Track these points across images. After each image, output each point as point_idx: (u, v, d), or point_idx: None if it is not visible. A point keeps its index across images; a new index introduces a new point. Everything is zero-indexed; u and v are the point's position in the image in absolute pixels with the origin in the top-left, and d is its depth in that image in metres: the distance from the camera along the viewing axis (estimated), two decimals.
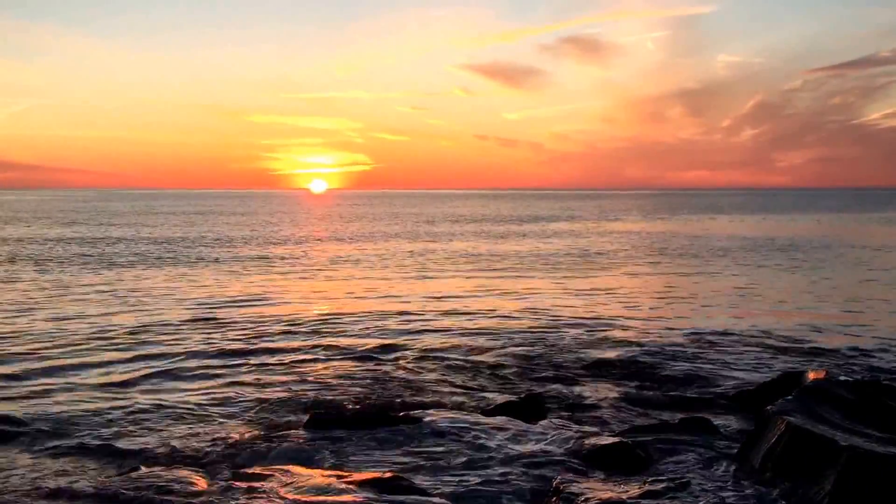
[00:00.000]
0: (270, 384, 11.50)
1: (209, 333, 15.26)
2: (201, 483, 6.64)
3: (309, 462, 7.80)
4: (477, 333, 15.49)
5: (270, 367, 12.63)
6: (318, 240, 43.62)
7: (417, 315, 17.64)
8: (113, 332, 15.21)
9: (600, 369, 12.45)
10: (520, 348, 14.07)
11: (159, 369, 12.36)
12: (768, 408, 8.10)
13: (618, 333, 15.63)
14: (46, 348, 13.72)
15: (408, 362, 12.95)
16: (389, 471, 7.12)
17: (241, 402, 10.57)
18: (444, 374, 12.16)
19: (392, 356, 13.42)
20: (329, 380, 11.77)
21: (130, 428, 9.41)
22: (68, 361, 12.74)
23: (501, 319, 17.22)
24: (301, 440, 8.60)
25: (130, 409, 10.20)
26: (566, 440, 8.43)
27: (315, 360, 13.07)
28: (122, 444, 8.75)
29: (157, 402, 10.54)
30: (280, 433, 8.95)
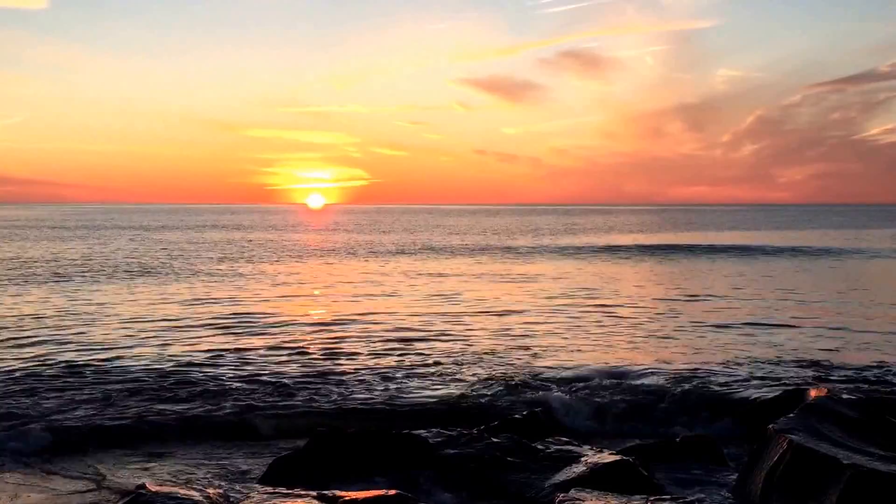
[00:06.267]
0: (283, 397, 11.52)
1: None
2: None
3: (309, 481, 7.79)
4: (472, 343, 15.52)
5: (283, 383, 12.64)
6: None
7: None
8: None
9: (601, 386, 12.45)
10: (516, 363, 14.10)
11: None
12: (770, 426, 8.10)
13: (619, 349, 15.65)
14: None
15: (406, 375, 12.98)
16: (393, 488, 7.11)
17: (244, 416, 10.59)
18: (442, 386, 12.19)
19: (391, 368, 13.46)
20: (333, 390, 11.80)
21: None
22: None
23: (496, 333, 17.24)
24: (301, 459, 8.59)
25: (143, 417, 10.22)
26: (568, 458, 8.42)
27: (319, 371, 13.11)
28: (130, 460, 8.78)
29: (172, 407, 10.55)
30: (279, 451, 8.97)
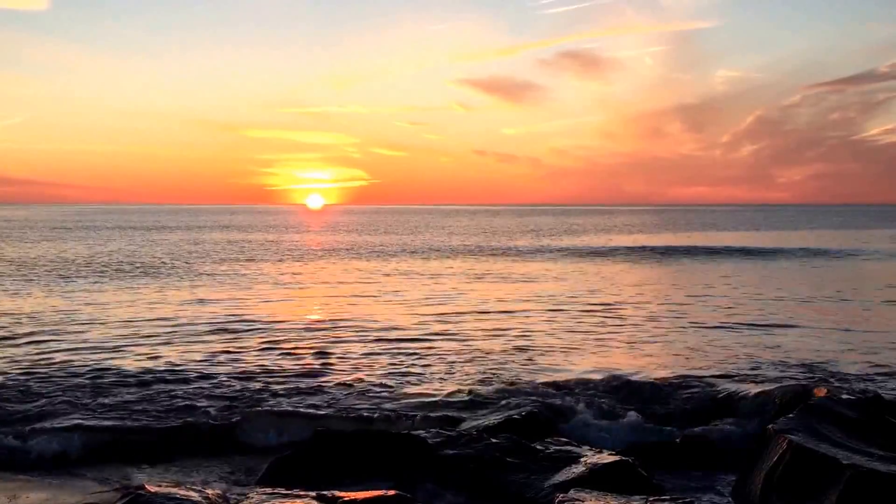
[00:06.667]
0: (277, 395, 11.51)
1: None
2: None
3: (309, 482, 7.78)
4: (466, 347, 15.51)
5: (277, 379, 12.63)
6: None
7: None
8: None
9: (599, 386, 12.44)
10: (515, 365, 14.09)
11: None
12: (770, 426, 8.10)
13: (618, 350, 15.65)
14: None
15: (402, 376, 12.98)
16: (392, 489, 7.10)
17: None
18: (441, 387, 12.18)
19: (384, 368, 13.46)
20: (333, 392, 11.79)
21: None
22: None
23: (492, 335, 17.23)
24: (300, 459, 8.59)
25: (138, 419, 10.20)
26: (568, 458, 8.41)
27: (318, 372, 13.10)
28: (128, 461, 8.77)
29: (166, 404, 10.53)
30: (278, 452, 8.96)
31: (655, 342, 16.70)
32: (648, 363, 14.41)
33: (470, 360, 14.56)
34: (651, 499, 7.07)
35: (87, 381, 12.60)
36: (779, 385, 12.34)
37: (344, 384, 12.69)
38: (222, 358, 14.66)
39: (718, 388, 12.32)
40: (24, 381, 12.52)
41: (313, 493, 7.04)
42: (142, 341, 16.27)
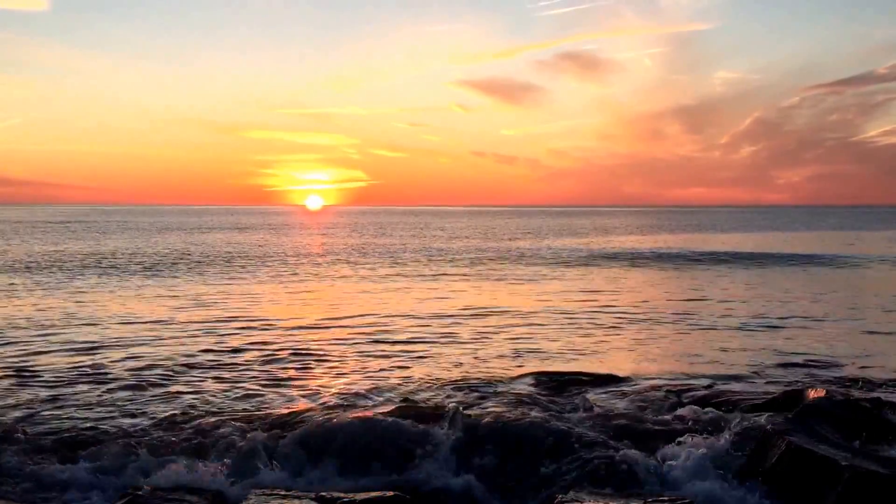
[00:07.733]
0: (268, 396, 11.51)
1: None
2: None
3: (303, 483, 7.78)
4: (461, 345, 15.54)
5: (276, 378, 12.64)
6: None
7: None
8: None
9: (598, 387, 12.45)
10: (514, 366, 14.11)
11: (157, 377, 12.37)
12: (768, 427, 8.11)
13: (616, 352, 15.66)
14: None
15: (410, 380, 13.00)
16: (391, 489, 7.10)
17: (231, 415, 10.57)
18: (438, 388, 12.19)
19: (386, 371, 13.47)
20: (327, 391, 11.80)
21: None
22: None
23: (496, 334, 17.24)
24: (294, 458, 8.59)
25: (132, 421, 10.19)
26: (566, 458, 8.41)
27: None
28: (125, 462, 8.74)
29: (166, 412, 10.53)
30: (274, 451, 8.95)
31: (654, 343, 16.70)
32: (647, 364, 14.41)
33: (468, 361, 14.54)
34: (650, 498, 7.08)
35: (79, 382, 12.55)
36: (778, 385, 12.36)
37: (341, 384, 12.69)
38: (221, 359, 14.63)
39: (717, 389, 12.32)
40: (17, 382, 12.50)
41: (313, 494, 7.04)
42: (139, 343, 16.23)
